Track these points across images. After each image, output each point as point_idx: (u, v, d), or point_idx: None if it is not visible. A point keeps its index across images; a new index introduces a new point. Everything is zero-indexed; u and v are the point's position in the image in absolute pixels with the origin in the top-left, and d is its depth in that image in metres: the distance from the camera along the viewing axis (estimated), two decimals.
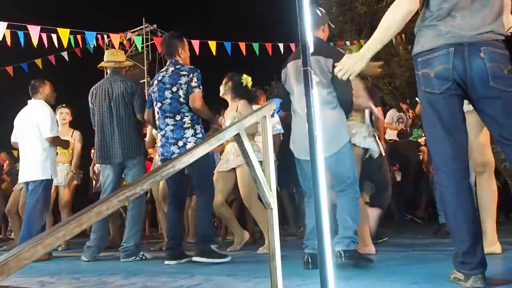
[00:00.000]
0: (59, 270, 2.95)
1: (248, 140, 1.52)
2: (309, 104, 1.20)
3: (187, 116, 3.11)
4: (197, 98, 3.06)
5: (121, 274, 2.58)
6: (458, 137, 1.69)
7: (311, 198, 2.65)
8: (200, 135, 3.13)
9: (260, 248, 3.66)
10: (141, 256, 3.41)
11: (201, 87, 3.13)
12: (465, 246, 1.62)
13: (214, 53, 8.12)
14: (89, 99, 3.71)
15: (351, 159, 2.53)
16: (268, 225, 1.54)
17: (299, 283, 1.94)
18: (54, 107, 4.32)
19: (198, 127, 3.15)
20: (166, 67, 3.28)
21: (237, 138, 1.48)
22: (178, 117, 3.10)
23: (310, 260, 2.39)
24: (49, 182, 3.95)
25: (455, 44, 1.64)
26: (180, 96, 3.10)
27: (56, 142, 3.99)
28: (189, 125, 3.11)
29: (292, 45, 8.63)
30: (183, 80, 3.10)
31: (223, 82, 3.80)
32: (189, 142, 3.07)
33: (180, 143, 3.07)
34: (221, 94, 3.83)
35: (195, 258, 2.90)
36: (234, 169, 3.72)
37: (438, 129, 1.70)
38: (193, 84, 3.09)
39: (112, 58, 3.77)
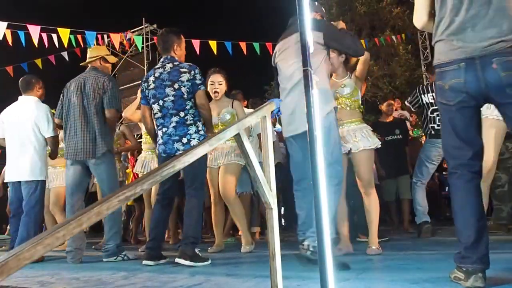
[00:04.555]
0: (59, 270, 2.94)
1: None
2: (309, 104, 1.20)
3: (190, 114, 3.09)
4: (203, 95, 3.09)
5: (121, 274, 2.58)
6: (471, 146, 1.73)
7: (298, 184, 2.66)
8: (202, 132, 3.11)
9: (243, 246, 3.69)
10: (123, 256, 3.38)
11: (204, 84, 3.15)
12: (469, 241, 1.65)
13: (215, 53, 8.13)
14: (63, 92, 3.63)
15: (330, 135, 2.45)
16: (268, 225, 1.54)
17: (299, 283, 1.93)
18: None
19: (199, 124, 3.12)
20: (161, 63, 3.21)
21: (237, 138, 1.48)
22: (182, 114, 3.08)
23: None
24: (44, 183, 3.89)
25: (466, 59, 1.67)
26: (183, 94, 3.07)
27: (55, 142, 3.90)
28: (192, 121, 3.08)
29: None
30: (185, 77, 3.06)
31: (224, 79, 3.93)
32: (193, 138, 3.05)
33: (184, 140, 3.04)
34: (223, 90, 3.94)
35: (178, 260, 2.83)
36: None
37: (453, 138, 1.76)
38: (198, 81, 3.08)
39: (88, 55, 3.76)
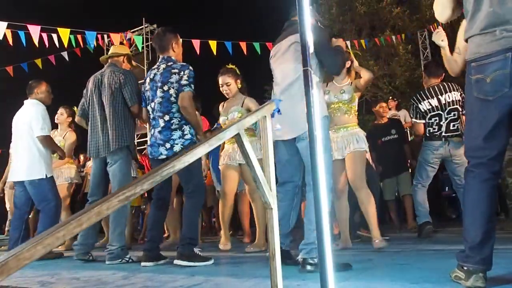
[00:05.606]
0: (59, 270, 2.95)
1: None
2: (309, 104, 1.20)
3: (176, 117, 3.01)
4: (186, 97, 2.96)
5: (121, 274, 2.58)
6: (496, 146, 1.68)
7: (282, 187, 2.62)
8: (188, 136, 3.01)
9: (248, 246, 3.70)
10: (127, 259, 3.27)
11: (192, 86, 3.02)
12: (475, 241, 1.63)
13: (215, 53, 8.12)
14: (85, 90, 3.64)
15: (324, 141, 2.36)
16: (268, 225, 1.54)
17: (299, 283, 1.93)
18: (53, 108, 4.32)
19: (186, 128, 3.02)
20: (158, 63, 3.17)
21: (237, 138, 1.48)
22: (167, 117, 3.01)
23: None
24: (49, 180, 3.92)
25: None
26: (171, 95, 3.01)
27: (46, 141, 3.93)
28: (177, 126, 3.00)
29: None
30: (174, 78, 3.00)
31: (232, 78, 3.90)
32: (177, 144, 2.97)
33: (168, 145, 2.98)
34: (233, 90, 3.90)
35: (176, 261, 2.82)
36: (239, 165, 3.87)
37: (479, 137, 1.69)
38: (183, 82, 2.98)
39: (111, 51, 3.79)
